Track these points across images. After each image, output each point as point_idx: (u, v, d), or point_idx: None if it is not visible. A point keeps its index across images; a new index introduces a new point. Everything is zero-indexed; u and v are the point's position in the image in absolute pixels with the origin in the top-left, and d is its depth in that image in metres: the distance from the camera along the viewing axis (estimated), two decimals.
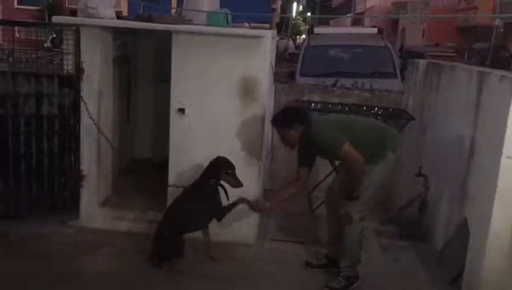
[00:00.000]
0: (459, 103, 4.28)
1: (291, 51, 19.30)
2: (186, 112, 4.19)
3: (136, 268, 3.88)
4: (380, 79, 7.87)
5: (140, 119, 5.87)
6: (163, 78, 5.46)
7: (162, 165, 5.55)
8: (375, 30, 9.71)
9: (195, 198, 3.89)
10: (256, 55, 4.08)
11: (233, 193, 3.95)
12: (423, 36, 23.75)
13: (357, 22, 30.04)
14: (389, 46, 9.13)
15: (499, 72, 3.38)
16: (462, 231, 3.92)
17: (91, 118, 4.18)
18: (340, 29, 14.57)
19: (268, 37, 4.09)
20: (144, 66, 5.77)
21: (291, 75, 8.69)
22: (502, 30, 20.21)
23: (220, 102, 4.16)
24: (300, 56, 8.95)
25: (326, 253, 4.07)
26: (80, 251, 4.09)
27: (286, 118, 3.73)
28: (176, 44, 4.13)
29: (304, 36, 26.31)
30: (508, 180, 3.11)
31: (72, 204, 4.47)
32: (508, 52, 17.87)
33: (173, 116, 4.23)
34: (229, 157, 3.99)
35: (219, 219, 3.97)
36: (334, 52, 9.01)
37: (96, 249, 4.14)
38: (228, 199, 3.93)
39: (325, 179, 5.43)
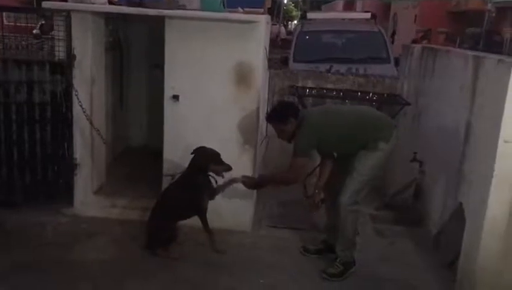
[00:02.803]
0: (454, 88, 4.26)
1: (283, 37, 19.17)
2: (180, 98, 4.14)
3: (131, 256, 3.86)
4: (374, 64, 7.85)
5: (134, 106, 5.82)
6: (157, 64, 5.43)
7: (156, 153, 5.54)
8: (368, 15, 9.66)
9: (185, 189, 3.85)
10: (251, 41, 4.03)
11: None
12: (415, 21, 23.64)
13: (348, 7, 29.88)
14: (383, 31, 9.09)
15: (496, 56, 3.36)
16: (458, 215, 3.92)
17: (81, 106, 4.12)
18: (334, 14, 14.52)
19: (263, 22, 4.04)
20: (137, 52, 5.71)
21: (285, 61, 8.63)
22: (493, 14, 20.19)
23: (214, 88, 4.12)
24: (294, 42, 8.89)
25: (323, 238, 4.07)
26: (75, 239, 4.06)
27: (281, 113, 3.73)
28: (169, 30, 4.07)
29: (295, 22, 26.14)
30: (505, 165, 3.10)
31: (66, 192, 4.42)
32: (500, 37, 17.88)
33: (167, 103, 4.18)
34: (224, 145, 3.96)
35: (211, 198, 3.94)
36: (328, 37, 8.98)
37: (91, 237, 4.11)
38: (217, 183, 3.91)
39: (319, 165, 5.44)
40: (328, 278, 3.71)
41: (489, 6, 18.97)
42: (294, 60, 8.37)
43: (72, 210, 4.42)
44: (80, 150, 4.35)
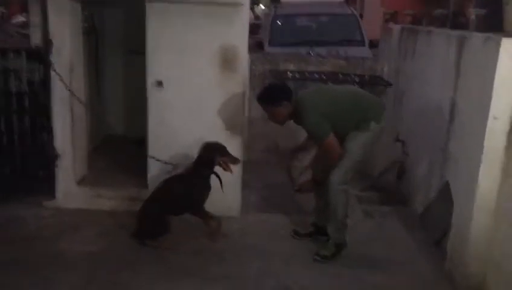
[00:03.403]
0: (436, 67, 4.30)
1: (251, 22, 19.03)
2: (164, 85, 4.05)
3: (121, 247, 3.78)
4: (349, 47, 7.87)
5: (111, 94, 5.67)
6: (134, 50, 5.29)
7: (137, 142, 5.42)
8: None
9: (188, 185, 3.78)
10: (235, 24, 3.96)
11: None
12: (382, 4, 23.81)
13: None
14: (356, 13, 9.16)
15: (482, 34, 3.39)
16: (444, 194, 3.99)
17: (69, 90, 3.97)
18: None
19: (246, 5, 3.97)
20: (113, 38, 5.54)
21: (259, 45, 8.57)
22: None
23: (199, 73, 4.04)
24: (269, 25, 8.83)
25: (313, 221, 4.07)
26: (60, 232, 3.95)
27: (274, 95, 3.66)
28: (150, 13, 3.96)
29: (261, 6, 25.95)
30: (494, 141, 3.14)
31: (47, 184, 4.29)
32: (465, 18, 18.17)
33: (150, 89, 4.08)
34: (210, 130, 3.91)
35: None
36: (302, 20, 8.97)
37: (78, 229, 4.01)
38: (222, 186, 3.85)
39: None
40: (320, 260, 3.72)
41: None
42: (270, 44, 8.33)
43: (54, 202, 4.29)
44: (61, 140, 4.21)
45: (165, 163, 4.14)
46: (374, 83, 5.18)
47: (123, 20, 5.47)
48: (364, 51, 8.03)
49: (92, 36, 5.15)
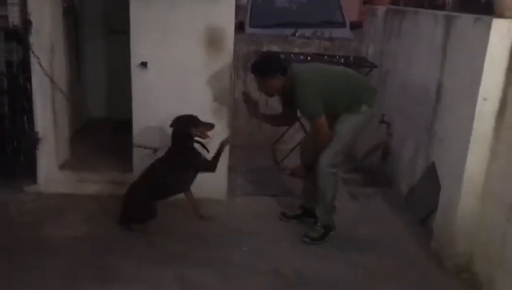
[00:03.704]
0: (423, 48, 4.30)
1: None
2: (148, 65, 3.95)
3: (107, 232, 3.71)
4: (330, 28, 7.80)
5: (92, 75, 5.53)
6: (115, 29, 5.16)
7: (119, 125, 5.32)
8: None
9: (175, 166, 3.71)
10: (222, 3, 3.87)
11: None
12: None
13: None
14: None
15: (471, 15, 3.38)
16: (430, 174, 4.02)
17: (46, 75, 3.85)
18: None
19: None
20: (93, 18, 5.38)
21: (240, 26, 8.44)
22: None
23: (185, 54, 3.95)
24: (249, 7, 8.68)
25: (301, 203, 4.06)
26: (43, 217, 3.85)
27: (268, 66, 3.60)
28: None
29: None
30: (483, 123, 3.15)
31: (27, 169, 4.17)
32: (441, 0, 18.31)
33: (134, 71, 3.98)
34: (197, 112, 3.83)
35: (213, 171, 3.84)
36: (283, 2, 8.83)
37: (61, 214, 3.91)
38: (208, 152, 3.79)
39: (287, 131, 5.42)
40: (309, 241, 3.72)
41: None
42: (251, 25, 8.19)
43: (35, 187, 4.18)
44: (42, 123, 4.08)
45: (145, 148, 4.06)
46: (359, 64, 5.15)
47: None
48: (346, 32, 7.97)
49: (71, 16, 4.98)
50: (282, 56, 5.13)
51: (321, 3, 8.85)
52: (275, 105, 4.12)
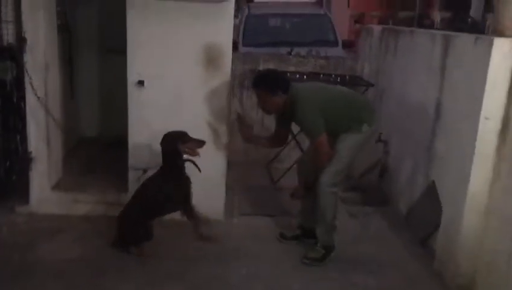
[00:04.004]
0: (420, 67, 4.30)
1: None
2: (146, 84, 3.90)
3: (102, 254, 3.61)
4: (323, 47, 7.85)
5: (85, 94, 5.45)
6: (110, 48, 5.12)
7: (111, 144, 5.24)
8: None
9: (166, 184, 3.62)
10: (220, 21, 3.84)
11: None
12: (348, 6, 24.10)
13: None
14: (329, 14, 9.14)
15: (471, 35, 3.39)
16: (430, 193, 3.99)
17: (36, 95, 3.77)
18: None
19: (232, 1, 3.85)
20: (86, 36, 5.33)
21: (234, 45, 8.45)
22: None
23: (182, 72, 3.91)
24: (242, 25, 8.71)
25: (299, 223, 4.00)
26: (37, 239, 3.74)
27: (271, 83, 3.56)
28: (131, 10, 3.80)
29: None
30: (486, 142, 3.14)
31: (20, 189, 4.07)
32: (430, 20, 18.56)
33: (131, 89, 3.92)
34: (195, 131, 3.77)
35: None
36: (277, 21, 8.88)
37: (55, 236, 3.81)
38: (200, 171, 3.70)
39: (283, 149, 5.37)
40: (309, 263, 3.65)
41: None
42: (244, 44, 8.21)
43: (28, 208, 4.08)
44: (35, 142, 4.00)
45: (136, 169, 3.99)
46: (355, 83, 5.15)
47: (97, 17, 5.27)
48: (338, 51, 8.03)
49: (65, 34, 4.93)
50: None
51: (314, 23, 8.91)
52: (272, 125, 4.07)
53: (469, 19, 18.07)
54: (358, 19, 22.46)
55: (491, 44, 3.02)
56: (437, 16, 18.73)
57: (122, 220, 3.65)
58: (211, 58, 3.89)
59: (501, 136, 3.12)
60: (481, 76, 3.11)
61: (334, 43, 8.48)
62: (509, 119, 3.08)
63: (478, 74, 3.16)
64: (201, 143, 3.61)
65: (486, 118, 3.11)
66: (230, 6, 3.85)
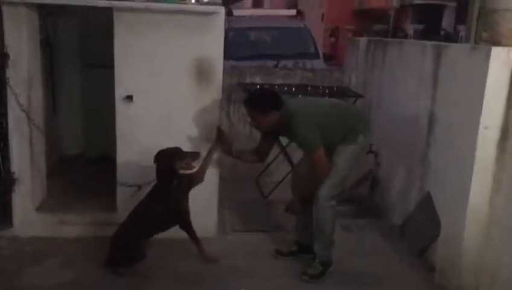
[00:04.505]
0: (410, 78, 4.29)
1: None
2: (134, 99, 3.78)
3: (94, 277, 3.44)
4: (304, 60, 7.85)
5: (67, 110, 5.27)
6: (92, 63, 4.98)
7: (95, 161, 5.07)
8: (293, 12, 9.71)
9: (160, 200, 3.52)
10: (210, 34, 3.77)
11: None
12: (322, 20, 24.38)
13: (257, 4, 30.07)
14: (309, 27, 9.17)
15: (465, 44, 3.39)
16: (425, 205, 3.96)
17: (23, 110, 3.61)
18: (260, 11, 14.47)
19: (222, 14, 3.78)
20: (68, 51, 5.17)
21: None
22: (392, 13, 21.29)
23: (172, 86, 3.81)
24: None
25: (295, 239, 3.90)
26: (22, 263, 3.56)
27: (263, 102, 3.50)
28: (119, 23, 3.68)
29: None
30: (485, 151, 3.12)
31: (2, 211, 3.87)
32: (404, 33, 18.92)
33: (119, 104, 3.79)
34: (185, 146, 3.67)
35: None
36: (258, 34, 8.87)
37: (40, 260, 3.62)
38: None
39: (271, 163, 5.29)
40: (308, 279, 3.56)
41: (394, 3, 20.03)
42: (226, 58, 8.14)
43: (11, 231, 3.88)
44: (18, 162, 3.82)
45: (129, 186, 3.86)
46: (343, 94, 5.12)
47: (79, 31, 5.12)
48: (319, 64, 8.04)
49: (47, 49, 4.77)
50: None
51: (294, 36, 8.94)
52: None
53: (442, 31, 18.49)
54: (332, 33, 22.77)
55: (488, 53, 3.02)
56: (410, 28, 19.15)
57: (116, 240, 3.50)
58: (201, 72, 3.81)
59: (500, 146, 3.11)
60: (479, 85, 3.10)
61: (316, 56, 8.51)
62: (508, 128, 3.07)
63: (475, 83, 3.15)
64: (196, 155, 3.58)
65: (486, 128, 3.10)
66: (220, 18, 3.78)
